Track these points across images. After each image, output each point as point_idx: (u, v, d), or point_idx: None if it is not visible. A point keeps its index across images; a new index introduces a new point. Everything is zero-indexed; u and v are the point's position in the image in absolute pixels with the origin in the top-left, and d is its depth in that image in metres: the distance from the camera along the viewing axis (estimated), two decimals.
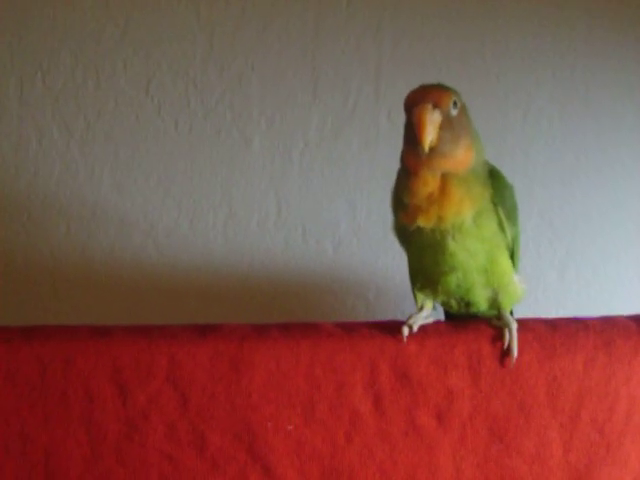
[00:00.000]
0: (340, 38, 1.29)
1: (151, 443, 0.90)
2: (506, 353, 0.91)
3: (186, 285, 1.30)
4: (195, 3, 1.29)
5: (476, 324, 0.95)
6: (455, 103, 0.88)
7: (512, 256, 0.96)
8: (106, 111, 1.29)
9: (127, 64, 1.29)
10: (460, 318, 0.98)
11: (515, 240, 0.96)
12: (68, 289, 1.29)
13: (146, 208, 1.30)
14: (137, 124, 1.30)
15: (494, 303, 0.96)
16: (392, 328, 0.93)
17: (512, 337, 0.91)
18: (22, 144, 1.30)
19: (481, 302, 0.96)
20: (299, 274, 1.29)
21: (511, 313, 0.96)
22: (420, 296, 0.98)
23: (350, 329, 0.94)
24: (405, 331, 0.92)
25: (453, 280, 0.93)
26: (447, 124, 0.86)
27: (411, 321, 0.93)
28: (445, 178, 0.88)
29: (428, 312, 0.97)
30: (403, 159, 0.92)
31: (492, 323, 0.94)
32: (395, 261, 1.27)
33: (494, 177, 0.93)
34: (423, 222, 0.90)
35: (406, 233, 0.94)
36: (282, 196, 1.30)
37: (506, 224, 0.93)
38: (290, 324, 0.96)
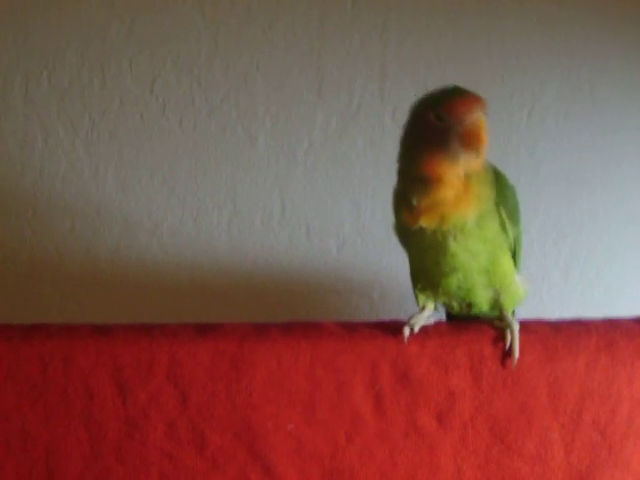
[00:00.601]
0: (345, 37, 1.29)
1: (151, 442, 0.90)
2: (508, 354, 0.91)
3: (190, 283, 1.30)
4: (200, 2, 1.29)
5: (478, 325, 0.94)
6: None
7: (514, 256, 0.96)
8: (111, 110, 1.29)
9: (132, 63, 1.29)
10: (462, 319, 0.98)
11: (517, 240, 0.95)
12: (73, 287, 1.29)
13: (150, 206, 1.30)
14: (142, 123, 1.30)
15: (496, 304, 0.95)
16: (393, 328, 0.92)
17: (514, 338, 0.91)
18: (28, 142, 1.30)
19: (483, 303, 0.96)
20: (303, 273, 1.29)
21: (512, 314, 0.96)
22: (421, 297, 0.98)
23: (351, 329, 0.94)
24: (406, 331, 0.91)
25: (454, 281, 0.93)
26: None
27: (412, 321, 0.93)
28: (467, 180, 0.89)
29: (429, 313, 0.97)
30: (420, 165, 0.89)
31: (494, 324, 0.94)
32: (399, 260, 1.25)
33: (497, 177, 0.93)
34: (425, 223, 0.90)
35: (407, 234, 0.94)
36: (286, 195, 1.30)
37: (508, 224, 0.92)
38: (291, 323, 0.96)
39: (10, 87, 1.29)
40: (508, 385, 0.91)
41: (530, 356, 0.91)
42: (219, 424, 0.90)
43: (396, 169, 0.94)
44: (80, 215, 1.29)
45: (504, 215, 0.92)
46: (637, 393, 0.91)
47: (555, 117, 1.29)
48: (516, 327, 0.92)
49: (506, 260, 0.94)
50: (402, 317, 0.96)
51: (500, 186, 0.93)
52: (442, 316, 1.02)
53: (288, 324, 0.95)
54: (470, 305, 0.96)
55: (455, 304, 0.97)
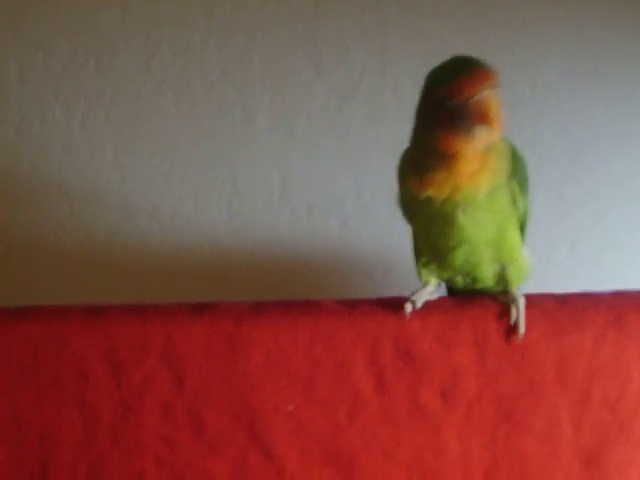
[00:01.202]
0: (342, 10, 1.26)
1: (147, 425, 0.88)
2: (513, 330, 0.89)
3: (191, 265, 1.28)
4: None
5: (482, 300, 0.92)
6: None
7: (521, 229, 0.94)
8: (107, 90, 1.28)
9: (128, 42, 1.27)
10: (465, 295, 0.95)
11: (525, 213, 0.93)
12: (71, 270, 1.28)
13: (149, 187, 1.28)
14: (138, 103, 1.28)
15: (501, 279, 0.93)
16: (395, 304, 0.90)
17: (519, 313, 0.89)
18: (24, 124, 1.28)
19: (488, 278, 0.94)
20: (305, 252, 1.27)
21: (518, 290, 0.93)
22: (424, 272, 0.95)
23: (351, 306, 0.92)
24: (408, 307, 0.89)
25: (460, 255, 0.91)
26: None
27: (414, 297, 0.91)
28: (484, 153, 0.86)
29: (432, 288, 0.94)
30: (436, 140, 0.87)
31: (498, 299, 0.92)
32: (403, 238, 1.23)
33: (512, 149, 0.91)
34: (435, 192, 0.87)
35: (413, 205, 0.91)
36: (287, 173, 1.28)
37: (518, 197, 0.90)
38: (289, 301, 0.94)
39: (5, 68, 1.28)
40: (514, 361, 0.89)
41: (536, 331, 0.89)
42: (216, 406, 0.88)
43: (409, 137, 0.91)
44: (78, 197, 1.28)
45: (515, 188, 0.90)
46: None
47: (558, 91, 1.27)
48: (522, 301, 0.90)
49: (514, 233, 0.92)
50: (405, 294, 0.94)
51: (515, 159, 0.90)
52: (444, 292, 1.00)
53: (286, 302, 0.93)
54: (475, 280, 0.94)
55: (459, 279, 0.95)
